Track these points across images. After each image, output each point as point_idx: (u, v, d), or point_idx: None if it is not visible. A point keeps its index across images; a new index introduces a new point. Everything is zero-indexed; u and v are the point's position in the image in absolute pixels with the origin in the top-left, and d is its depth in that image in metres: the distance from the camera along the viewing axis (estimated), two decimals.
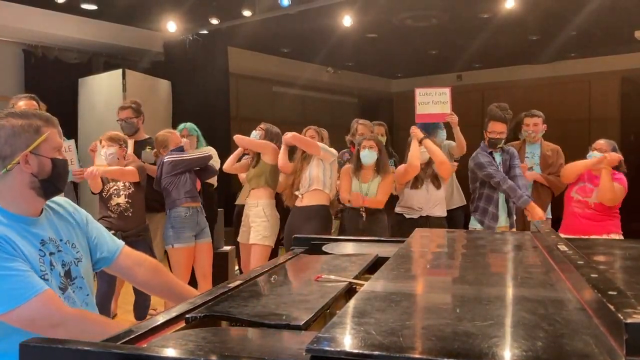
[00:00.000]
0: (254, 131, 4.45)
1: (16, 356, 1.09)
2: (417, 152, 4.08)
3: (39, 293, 1.50)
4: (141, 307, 4.04)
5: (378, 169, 4.16)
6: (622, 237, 3.98)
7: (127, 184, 3.89)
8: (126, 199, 3.87)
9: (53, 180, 1.65)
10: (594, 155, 3.93)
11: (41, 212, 1.69)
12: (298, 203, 4.16)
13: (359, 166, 4.16)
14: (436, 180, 4.16)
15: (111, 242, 1.87)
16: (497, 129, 4.06)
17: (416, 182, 4.15)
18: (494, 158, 4.10)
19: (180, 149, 4.09)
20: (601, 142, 4.01)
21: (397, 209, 4.27)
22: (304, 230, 3.87)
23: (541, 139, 4.48)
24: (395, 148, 5.33)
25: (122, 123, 4.50)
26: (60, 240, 1.70)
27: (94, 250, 1.83)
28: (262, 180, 4.28)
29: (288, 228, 4.15)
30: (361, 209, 4.10)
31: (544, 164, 4.41)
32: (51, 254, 1.65)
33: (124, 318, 4.33)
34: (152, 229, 4.19)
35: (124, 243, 1.91)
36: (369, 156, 4.10)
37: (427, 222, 4.12)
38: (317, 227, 4.01)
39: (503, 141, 4.13)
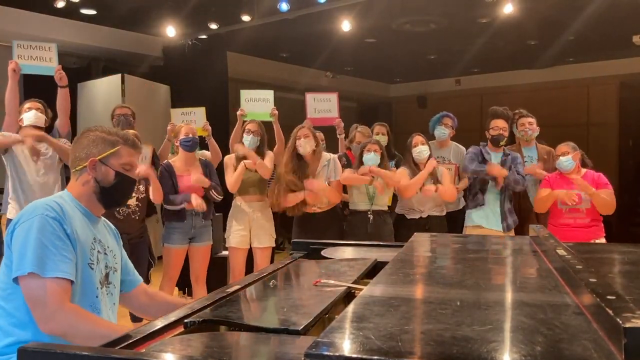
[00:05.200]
0: (246, 136, 4.21)
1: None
2: (420, 181, 4.11)
3: (57, 277, 1.59)
4: None
5: None
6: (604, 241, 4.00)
7: (141, 187, 3.91)
8: (137, 202, 3.89)
9: (112, 191, 1.82)
10: (562, 162, 3.96)
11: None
12: (312, 210, 4.13)
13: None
14: (439, 184, 4.15)
15: (135, 272, 2.03)
16: (499, 125, 4.09)
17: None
18: (484, 159, 4.10)
19: (187, 141, 4.03)
20: (563, 147, 4.03)
21: (398, 210, 4.29)
22: (333, 232, 3.99)
23: (535, 141, 4.49)
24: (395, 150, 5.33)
25: (120, 118, 4.39)
26: (107, 247, 1.85)
27: (124, 271, 1.96)
28: (264, 188, 4.26)
29: (308, 232, 4.02)
30: (368, 212, 4.08)
31: (542, 168, 4.42)
32: (99, 252, 1.79)
33: (120, 323, 4.31)
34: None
35: (142, 279, 2.06)
36: (373, 159, 4.07)
37: (427, 222, 4.15)
38: (341, 228, 4.14)
39: (506, 138, 4.13)
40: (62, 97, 4.11)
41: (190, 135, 4.06)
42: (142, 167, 3.76)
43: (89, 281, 1.72)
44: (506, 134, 4.12)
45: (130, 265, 2.02)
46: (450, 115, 4.64)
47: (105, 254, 1.82)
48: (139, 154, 1.92)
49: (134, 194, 3.88)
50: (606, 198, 3.84)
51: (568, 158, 3.94)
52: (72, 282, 1.64)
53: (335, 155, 4.35)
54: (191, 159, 4.12)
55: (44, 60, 4.25)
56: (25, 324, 1.63)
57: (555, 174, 4.09)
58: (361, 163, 4.11)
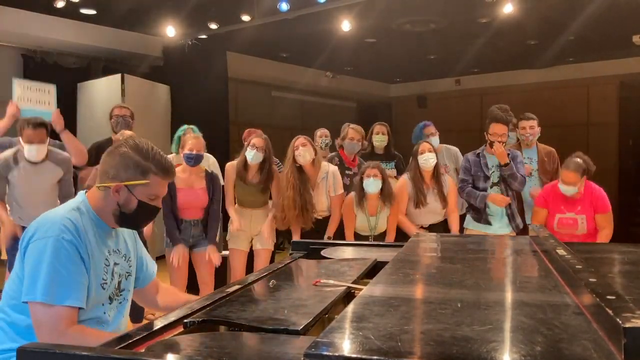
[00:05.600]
0: (250, 150, 4.00)
1: None
2: (410, 229, 4.07)
3: (66, 305, 1.57)
4: (136, 309, 4.03)
5: (384, 198, 3.96)
6: None
7: None
8: None
9: (132, 217, 1.77)
10: (566, 189, 3.70)
11: None
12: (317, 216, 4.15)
13: (362, 196, 3.96)
14: (443, 200, 4.13)
15: (151, 265, 2.01)
16: (498, 131, 3.95)
17: (420, 201, 4.10)
18: (484, 162, 4.08)
19: (190, 157, 3.92)
20: (570, 174, 3.67)
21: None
22: (335, 238, 4.02)
23: (536, 142, 4.47)
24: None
25: (118, 119, 4.43)
26: (121, 252, 1.83)
27: (139, 267, 1.94)
28: (265, 200, 4.25)
29: (310, 238, 4.07)
30: (370, 237, 4.03)
31: (542, 169, 4.41)
32: (115, 264, 1.78)
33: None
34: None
35: (155, 274, 2.03)
36: (373, 184, 3.86)
37: (429, 229, 4.15)
38: (342, 233, 4.13)
39: (505, 143, 4.11)
40: (68, 141, 4.08)
41: (194, 152, 3.92)
42: None
43: (98, 301, 1.71)
44: (505, 139, 4.04)
45: (145, 259, 1.98)
46: (428, 123, 4.79)
47: (120, 263, 1.80)
48: (171, 180, 1.84)
49: None
50: (610, 229, 3.75)
51: (574, 189, 3.71)
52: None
53: (335, 168, 4.24)
54: (195, 171, 4.00)
55: (42, 104, 4.24)
56: (30, 336, 1.62)
57: (553, 185, 3.91)
58: (362, 189, 3.94)
